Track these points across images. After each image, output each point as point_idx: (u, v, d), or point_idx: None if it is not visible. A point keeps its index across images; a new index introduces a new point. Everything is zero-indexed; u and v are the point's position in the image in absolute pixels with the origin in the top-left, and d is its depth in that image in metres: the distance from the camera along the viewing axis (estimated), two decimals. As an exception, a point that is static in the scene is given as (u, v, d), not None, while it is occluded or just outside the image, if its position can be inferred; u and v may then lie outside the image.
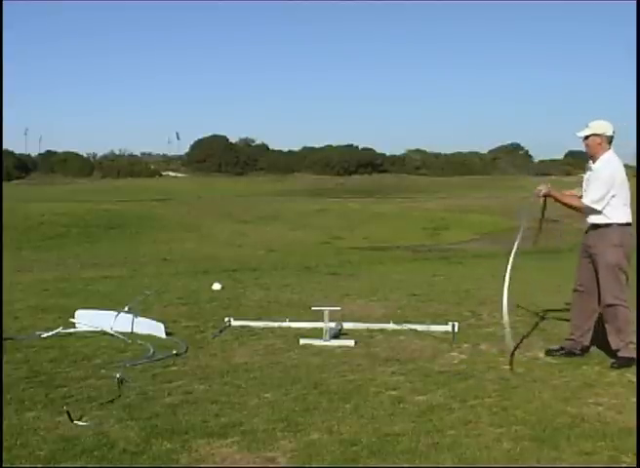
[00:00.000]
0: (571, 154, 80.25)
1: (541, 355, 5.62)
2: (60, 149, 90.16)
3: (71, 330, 6.49)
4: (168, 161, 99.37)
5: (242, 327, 6.72)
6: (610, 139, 5.42)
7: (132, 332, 6.33)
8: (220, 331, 6.50)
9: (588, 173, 5.51)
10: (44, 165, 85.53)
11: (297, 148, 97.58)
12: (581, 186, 5.56)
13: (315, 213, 35.65)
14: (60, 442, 3.73)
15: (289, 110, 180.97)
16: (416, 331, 6.51)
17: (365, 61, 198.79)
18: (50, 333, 6.29)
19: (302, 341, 6.06)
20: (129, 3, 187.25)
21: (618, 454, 3.59)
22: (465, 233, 29.40)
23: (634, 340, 5.33)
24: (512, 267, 5.43)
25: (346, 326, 6.63)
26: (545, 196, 5.54)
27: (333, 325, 6.36)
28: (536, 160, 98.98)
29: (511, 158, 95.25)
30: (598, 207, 5.32)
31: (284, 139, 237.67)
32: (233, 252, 21.64)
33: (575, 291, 5.64)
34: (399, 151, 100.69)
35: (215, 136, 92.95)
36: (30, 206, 32.13)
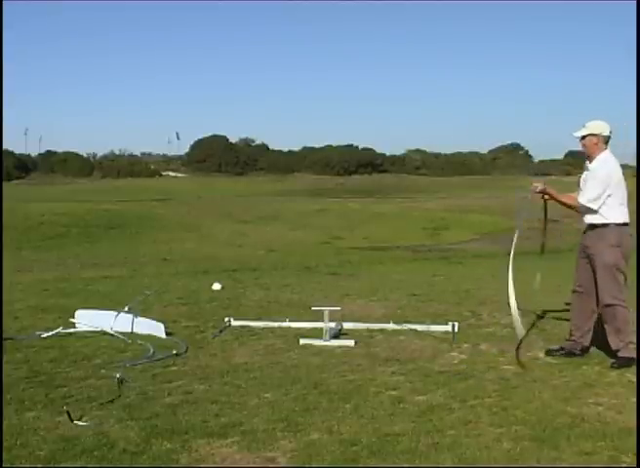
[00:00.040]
0: (571, 154, 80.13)
1: (541, 355, 5.62)
2: (60, 149, 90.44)
3: (71, 330, 6.49)
4: (168, 161, 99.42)
5: (242, 327, 6.72)
6: (606, 140, 5.44)
7: (132, 332, 6.33)
8: (220, 331, 6.50)
9: (585, 172, 5.53)
10: (44, 165, 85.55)
11: (297, 148, 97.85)
12: (580, 187, 5.57)
13: (315, 213, 35.64)
14: (59, 442, 3.73)
15: (289, 110, 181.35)
16: (416, 331, 6.51)
17: (365, 61, 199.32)
18: (50, 333, 6.29)
19: (302, 341, 6.05)
20: (129, 3, 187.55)
21: (618, 454, 3.59)
22: (465, 233, 29.38)
23: (634, 340, 5.33)
24: (514, 265, 5.47)
25: (346, 326, 6.63)
26: (541, 193, 5.57)
27: (333, 325, 6.36)
28: (536, 160, 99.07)
29: (511, 158, 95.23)
30: (594, 206, 5.33)
31: (284, 139, 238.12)
32: (233, 252, 21.64)
33: (574, 291, 5.65)
34: (399, 151, 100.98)
35: (215, 136, 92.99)
36: (30, 206, 32.12)
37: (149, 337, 6.16)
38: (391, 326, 6.66)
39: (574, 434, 3.85)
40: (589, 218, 5.43)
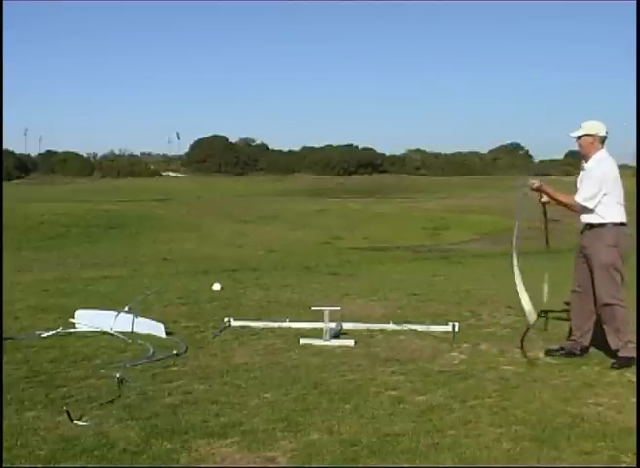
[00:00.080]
0: (571, 154, 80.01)
1: (541, 355, 5.62)
2: (60, 149, 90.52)
3: (71, 330, 6.49)
4: (168, 161, 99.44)
5: (242, 327, 6.72)
6: (603, 139, 5.47)
7: (132, 332, 6.33)
8: (220, 331, 6.50)
9: (582, 172, 5.56)
10: (44, 165, 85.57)
11: (297, 148, 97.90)
12: (577, 186, 5.60)
13: (315, 213, 35.65)
14: (59, 442, 3.73)
15: (289, 110, 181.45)
16: (416, 331, 6.51)
17: (365, 61, 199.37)
18: (50, 333, 6.29)
19: (302, 341, 6.05)
20: (129, 3, 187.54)
21: (618, 454, 3.59)
22: (465, 233, 29.39)
23: (633, 339, 5.34)
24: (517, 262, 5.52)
25: (346, 326, 6.63)
26: (538, 190, 5.60)
27: (333, 325, 6.36)
28: (536, 160, 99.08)
29: (511, 158, 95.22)
30: (590, 204, 5.35)
31: (284, 139, 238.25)
32: (233, 252, 21.64)
33: (573, 292, 5.65)
34: (399, 151, 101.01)
35: (215, 136, 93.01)
36: (30, 206, 32.12)
37: (149, 337, 6.16)
38: (391, 326, 6.66)
39: (574, 434, 3.85)
40: (586, 218, 5.44)
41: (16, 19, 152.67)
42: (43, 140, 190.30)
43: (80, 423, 3.98)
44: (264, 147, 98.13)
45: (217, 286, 9.36)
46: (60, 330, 6.38)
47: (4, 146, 59.60)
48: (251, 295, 8.85)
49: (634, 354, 5.26)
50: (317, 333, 6.22)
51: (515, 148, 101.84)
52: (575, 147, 5.65)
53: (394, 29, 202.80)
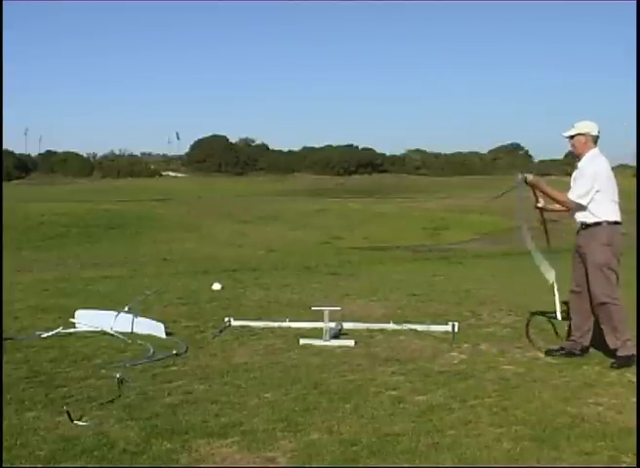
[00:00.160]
0: (571, 154, 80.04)
1: (541, 355, 5.62)
2: (60, 149, 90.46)
3: (71, 330, 6.49)
4: (168, 161, 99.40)
5: (242, 327, 6.72)
6: (595, 139, 5.53)
7: (132, 332, 6.33)
8: (220, 331, 6.50)
9: (575, 171, 5.59)
10: (44, 165, 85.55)
11: (297, 148, 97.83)
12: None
13: (315, 213, 35.64)
14: (59, 442, 3.73)
15: (289, 110, 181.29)
16: (416, 331, 6.51)
17: (365, 61, 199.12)
18: (50, 333, 6.29)
19: (302, 341, 6.06)
20: (129, 3, 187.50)
21: (618, 454, 3.59)
22: (465, 233, 29.38)
23: (631, 337, 5.34)
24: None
25: (346, 326, 6.63)
26: (533, 186, 5.63)
27: (333, 325, 6.36)
28: (536, 160, 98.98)
29: (511, 158, 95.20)
30: (583, 201, 5.37)
31: (284, 139, 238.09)
32: (233, 252, 21.63)
33: (572, 292, 5.65)
34: (399, 151, 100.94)
35: (215, 136, 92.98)
36: (30, 206, 32.11)
37: (149, 337, 6.16)
38: (391, 326, 6.66)
39: (574, 434, 3.85)
40: (581, 217, 5.46)
41: (16, 19, 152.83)
42: (43, 140, 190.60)
43: (80, 423, 3.98)
44: (264, 147, 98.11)
45: (217, 286, 9.37)
46: (59, 330, 6.38)
47: (4, 146, 59.66)
48: (251, 295, 8.85)
49: (634, 352, 5.26)
50: (317, 333, 6.22)
51: (515, 148, 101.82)
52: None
53: (394, 29, 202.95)
